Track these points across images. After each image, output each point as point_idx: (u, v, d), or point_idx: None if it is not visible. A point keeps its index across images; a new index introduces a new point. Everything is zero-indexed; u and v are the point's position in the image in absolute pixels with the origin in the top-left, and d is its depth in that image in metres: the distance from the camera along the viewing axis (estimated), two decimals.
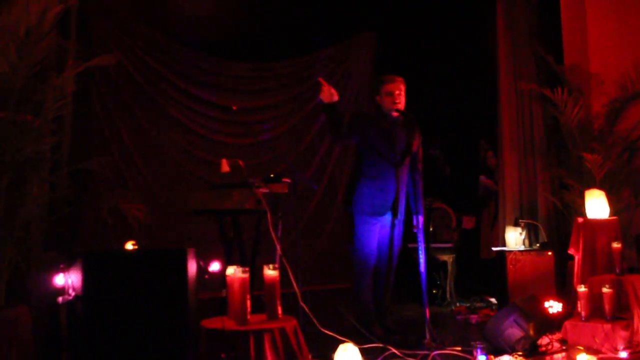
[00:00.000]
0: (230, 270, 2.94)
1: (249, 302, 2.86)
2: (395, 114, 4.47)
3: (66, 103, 3.85)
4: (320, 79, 4.36)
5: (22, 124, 3.32)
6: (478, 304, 5.78)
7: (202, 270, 3.78)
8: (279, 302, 2.99)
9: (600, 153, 5.03)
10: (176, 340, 2.82)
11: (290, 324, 2.87)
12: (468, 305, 5.73)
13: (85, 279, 2.90)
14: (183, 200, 6.19)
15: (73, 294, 2.91)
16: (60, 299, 2.95)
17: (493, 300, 5.78)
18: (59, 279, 2.95)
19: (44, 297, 3.33)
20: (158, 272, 2.90)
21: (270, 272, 2.95)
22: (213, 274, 3.98)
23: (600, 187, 4.78)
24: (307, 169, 7.16)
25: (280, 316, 2.98)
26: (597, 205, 4.52)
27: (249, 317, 2.86)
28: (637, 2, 5.43)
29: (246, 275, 2.84)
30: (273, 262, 3.88)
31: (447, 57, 7.25)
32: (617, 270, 4.14)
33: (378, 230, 4.52)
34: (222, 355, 2.63)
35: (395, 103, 4.45)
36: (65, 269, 2.93)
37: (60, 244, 3.86)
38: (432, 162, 6.90)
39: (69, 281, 2.90)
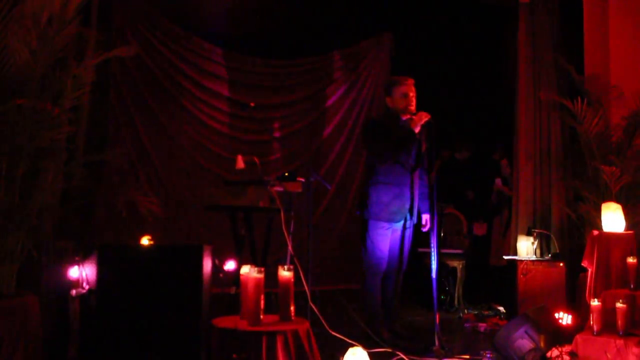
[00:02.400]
0: (245, 270, 2.91)
1: (262, 303, 2.84)
2: (406, 116, 4.43)
3: (84, 93, 3.82)
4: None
5: (41, 112, 3.30)
6: (486, 312, 5.74)
7: (217, 268, 3.76)
8: (292, 304, 2.96)
9: (618, 166, 4.97)
10: (188, 338, 2.79)
11: (303, 327, 2.84)
12: (476, 313, 5.69)
13: (100, 273, 2.88)
14: (197, 195, 6.22)
15: (87, 287, 2.88)
16: (73, 291, 2.92)
17: (501, 308, 5.74)
18: (74, 272, 2.92)
19: (55, 288, 3.31)
20: (173, 268, 2.87)
21: (284, 273, 2.92)
22: (227, 272, 3.96)
23: (616, 201, 4.73)
24: (320, 168, 7.14)
25: (293, 318, 2.95)
26: (613, 218, 4.47)
27: (262, 317, 2.83)
28: None
29: (261, 276, 2.81)
30: (283, 259, 3.87)
31: (466, 62, 7.21)
32: (632, 286, 4.09)
33: (390, 235, 4.50)
34: (234, 356, 2.61)
35: (410, 105, 4.41)
36: (80, 262, 2.90)
37: (72, 234, 3.85)
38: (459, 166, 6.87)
39: (84, 274, 2.87)
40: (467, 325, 5.23)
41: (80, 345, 2.90)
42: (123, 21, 6.15)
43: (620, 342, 3.77)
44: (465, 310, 5.81)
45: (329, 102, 7.36)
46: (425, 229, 4.66)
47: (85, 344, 2.86)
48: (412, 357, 3.74)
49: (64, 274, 3.04)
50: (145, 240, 3.28)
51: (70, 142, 3.87)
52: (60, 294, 3.16)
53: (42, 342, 3.08)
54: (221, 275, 3.89)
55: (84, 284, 2.88)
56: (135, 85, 6.35)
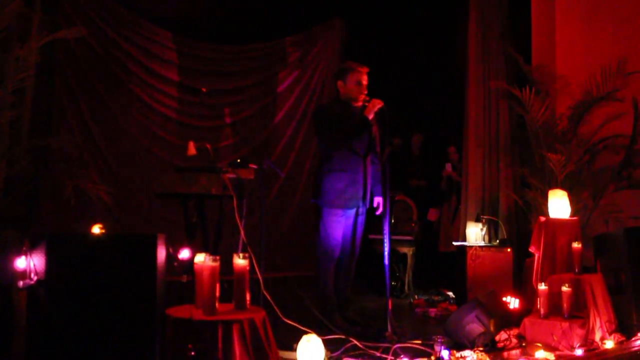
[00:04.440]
0: (200, 258, 2.86)
1: (217, 291, 2.79)
2: (358, 104, 4.43)
3: (28, 75, 3.68)
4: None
5: None
6: (436, 298, 5.83)
7: (172, 257, 3.68)
8: (247, 292, 2.93)
9: (563, 154, 5.11)
10: (143, 330, 2.72)
11: (260, 315, 2.81)
12: (426, 298, 5.77)
13: (49, 263, 2.77)
14: (145, 181, 6.08)
15: (35, 278, 2.77)
16: (20, 283, 2.80)
17: (450, 294, 5.84)
18: (21, 262, 2.79)
19: None
20: (127, 258, 2.79)
21: (240, 262, 2.88)
22: (182, 260, 3.89)
23: (561, 187, 4.86)
24: (271, 154, 7.10)
25: (248, 306, 2.92)
26: (559, 205, 4.59)
27: (217, 306, 2.79)
28: (605, 8, 5.53)
29: (216, 264, 2.77)
30: (235, 245, 3.82)
31: (418, 49, 7.25)
32: (576, 270, 4.22)
33: (344, 221, 4.50)
34: (189, 346, 2.56)
35: (364, 93, 4.41)
36: (28, 252, 2.77)
37: (16, 223, 3.69)
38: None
39: (32, 264, 2.75)
40: (417, 310, 5.30)
41: (27, 339, 2.78)
42: (69, 2, 5.92)
43: (565, 324, 3.89)
44: (416, 296, 5.89)
45: (280, 88, 7.33)
46: (379, 212, 4.67)
47: (33, 338, 2.75)
48: (365, 343, 3.75)
49: (7, 265, 2.91)
50: (96, 229, 3.18)
51: (14, 126, 3.71)
52: (3, 285, 3.02)
53: None
54: (176, 264, 3.81)
55: (32, 275, 2.76)
56: (81, 69, 6.15)
